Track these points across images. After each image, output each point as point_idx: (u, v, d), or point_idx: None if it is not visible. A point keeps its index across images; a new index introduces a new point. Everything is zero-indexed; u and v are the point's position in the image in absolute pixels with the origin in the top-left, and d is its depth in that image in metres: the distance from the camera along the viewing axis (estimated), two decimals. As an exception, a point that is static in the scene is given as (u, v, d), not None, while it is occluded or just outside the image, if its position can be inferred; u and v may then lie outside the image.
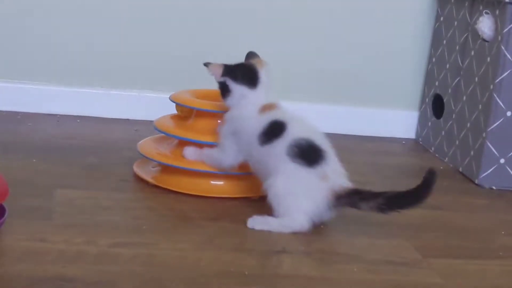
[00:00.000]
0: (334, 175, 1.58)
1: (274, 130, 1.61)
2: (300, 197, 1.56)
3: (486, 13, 2.07)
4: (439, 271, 1.46)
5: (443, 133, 2.31)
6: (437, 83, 2.39)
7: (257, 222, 1.57)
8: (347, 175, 1.61)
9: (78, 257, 1.34)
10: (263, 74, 1.69)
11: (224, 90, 1.68)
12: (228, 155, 1.68)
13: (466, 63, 2.20)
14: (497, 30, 2.03)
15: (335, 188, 1.56)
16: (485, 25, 2.06)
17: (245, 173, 1.72)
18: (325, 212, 1.58)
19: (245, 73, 1.68)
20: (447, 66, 2.32)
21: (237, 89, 1.66)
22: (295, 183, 1.57)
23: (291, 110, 1.68)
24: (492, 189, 2.04)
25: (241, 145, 1.66)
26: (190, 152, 1.74)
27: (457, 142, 2.20)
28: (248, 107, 1.66)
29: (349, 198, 1.57)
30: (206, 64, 1.69)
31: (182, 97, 1.83)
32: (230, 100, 1.68)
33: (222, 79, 1.68)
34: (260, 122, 1.63)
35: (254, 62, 1.71)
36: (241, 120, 1.66)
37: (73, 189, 1.70)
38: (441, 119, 2.34)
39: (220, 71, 1.67)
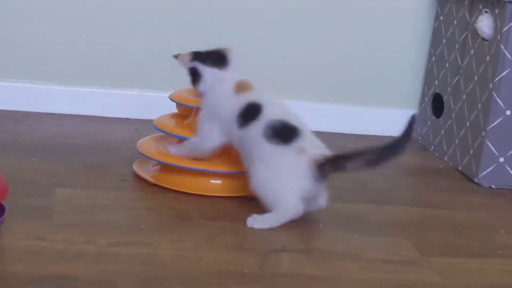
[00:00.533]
0: (311, 147, 1.58)
1: (250, 112, 1.61)
2: (284, 178, 1.56)
3: (486, 12, 2.07)
4: (438, 269, 1.46)
5: (442, 132, 2.31)
6: (436, 82, 2.39)
7: (256, 221, 1.57)
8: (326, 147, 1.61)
9: (77, 256, 1.34)
10: (232, 56, 1.70)
11: (195, 75, 1.69)
12: (206, 138, 1.69)
13: (465, 62, 2.20)
14: (497, 29, 2.03)
15: (316, 157, 1.56)
16: (484, 24, 2.06)
17: (244, 172, 1.73)
18: (314, 187, 1.56)
19: (213, 55, 1.70)
20: (447, 65, 2.32)
21: (208, 72, 1.67)
22: (276, 166, 1.56)
23: (266, 91, 1.68)
24: (491, 187, 2.05)
25: (222, 127, 1.66)
26: (174, 149, 1.75)
27: (456, 141, 2.20)
28: (223, 88, 1.67)
29: (333, 163, 1.56)
30: (175, 56, 1.72)
31: (181, 96, 1.83)
32: (203, 85, 1.69)
33: (191, 65, 1.69)
34: (237, 103, 1.64)
35: (222, 48, 1.72)
36: (218, 101, 1.66)
37: (72, 188, 1.70)
38: (441, 118, 2.34)
39: (188, 57, 1.70)
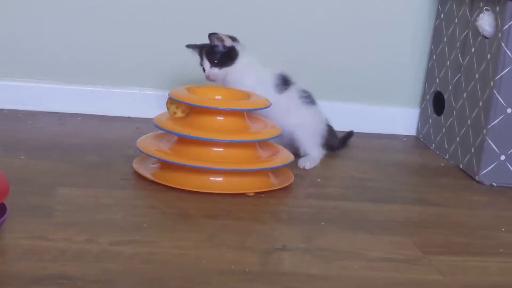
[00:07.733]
0: None
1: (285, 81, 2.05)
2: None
3: (487, 10, 2.07)
4: (439, 267, 1.46)
5: (443, 130, 2.31)
6: (437, 80, 2.39)
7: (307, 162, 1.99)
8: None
9: (78, 255, 1.34)
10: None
11: (232, 54, 2.01)
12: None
13: (466, 60, 2.19)
14: (497, 27, 2.03)
15: None
16: (485, 22, 2.06)
17: (244, 169, 1.73)
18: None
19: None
20: (448, 63, 2.32)
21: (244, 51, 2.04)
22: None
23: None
24: (492, 185, 2.05)
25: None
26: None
27: (457, 139, 2.20)
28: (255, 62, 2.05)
29: None
30: (213, 34, 1.99)
31: (181, 94, 1.83)
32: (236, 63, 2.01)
33: (231, 44, 2.02)
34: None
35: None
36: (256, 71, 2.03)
37: (74, 187, 1.70)
38: (442, 116, 2.34)
39: (228, 38, 2.02)
